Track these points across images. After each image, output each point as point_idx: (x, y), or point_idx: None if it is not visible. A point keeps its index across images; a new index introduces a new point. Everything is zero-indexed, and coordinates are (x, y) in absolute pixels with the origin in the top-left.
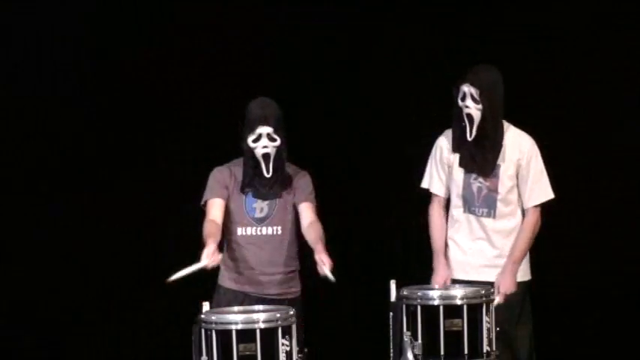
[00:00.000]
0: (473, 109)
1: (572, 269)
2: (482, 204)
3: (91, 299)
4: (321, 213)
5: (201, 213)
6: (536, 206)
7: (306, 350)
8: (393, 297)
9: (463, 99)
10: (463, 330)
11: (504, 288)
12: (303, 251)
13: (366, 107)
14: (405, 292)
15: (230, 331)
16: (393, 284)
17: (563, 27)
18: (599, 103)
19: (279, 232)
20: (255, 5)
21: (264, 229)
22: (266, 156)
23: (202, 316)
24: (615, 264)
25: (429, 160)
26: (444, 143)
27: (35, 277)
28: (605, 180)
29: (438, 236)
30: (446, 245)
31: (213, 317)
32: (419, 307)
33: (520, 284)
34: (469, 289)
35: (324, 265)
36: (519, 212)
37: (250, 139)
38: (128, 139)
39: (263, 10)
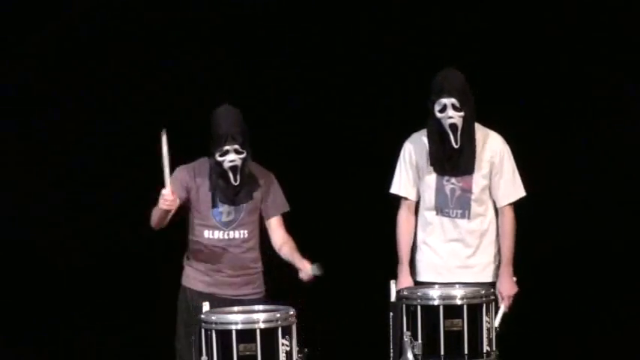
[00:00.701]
0: (456, 117)
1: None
2: (456, 205)
3: (92, 298)
4: (322, 213)
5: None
6: (510, 204)
7: (306, 350)
8: (393, 297)
9: (443, 110)
10: (463, 330)
11: (506, 291)
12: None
13: (370, 104)
14: (405, 292)
15: (230, 331)
16: (393, 284)
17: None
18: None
19: (246, 235)
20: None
21: (231, 232)
22: (233, 168)
23: (202, 316)
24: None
25: (398, 165)
26: (411, 147)
27: (35, 276)
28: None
29: (405, 243)
30: (416, 248)
31: (213, 317)
32: (419, 307)
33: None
34: (469, 289)
35: (308, 268)
36: (491, 211)
37: (217, 154)
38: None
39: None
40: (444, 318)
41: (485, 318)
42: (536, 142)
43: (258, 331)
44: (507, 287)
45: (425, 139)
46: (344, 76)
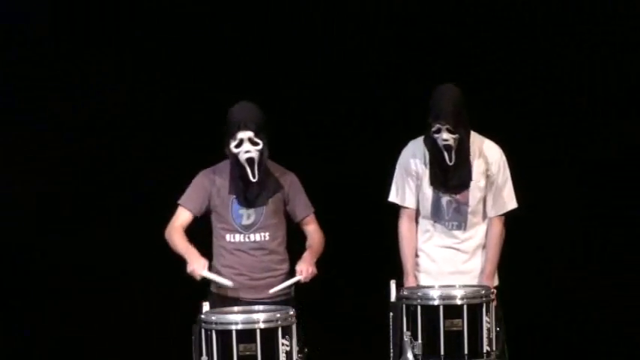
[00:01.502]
0: (451, 140)
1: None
2: (452, 217)
3: (91, 298)
4: (321, 213)
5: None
6: (500, 215)
7: (306, 350)
8: (393, 297)
9: (438, 132)
10: (463, 330)
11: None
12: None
13: (370, 106)
14: (405, 292)
15: (230, 331)
16: (393, 284)
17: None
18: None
19: (267, 237)
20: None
21: (251, 235)
22: (250, 160)
23: (202, 316)
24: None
25: (397, 173)
26: (410, 154)
27: (35, 276)
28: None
29: (409, 254)
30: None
31: (213, 317)
32: (419, 307)
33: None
34: (469, 289)
35: (300, 275)
36: (486, 220)
37: (232, 144)
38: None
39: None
40: (444, 318)
41: (485, 318)
42: (534, 149)
43: (258, 331)
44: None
45: (423, 147)
46: (347, 81)
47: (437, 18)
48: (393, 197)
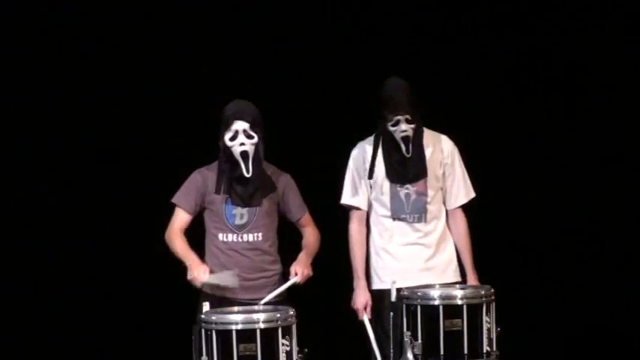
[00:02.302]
0: (409, 130)
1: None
2: (412, 210)
3: (91, 298)
4: (322, 212)
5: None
6: (461, 206)
7: (306, 350)
8: (393, 297)
9: (396, 124)
10: (463, 330)
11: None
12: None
13: (369, 105)
14: (405, 292)
15: (230, 331)
16: (393, 284)
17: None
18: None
19: (260, 237)
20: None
21: (244, 235)
22: (244, 154)
23: (202, 316)
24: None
25: (348, 174)
26: (360, 155)
27: (34, 276)
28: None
29: (359, 256)
30: (370, 256)
31: (213, 317)
32: (419, 307)
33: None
34: (469, 289)
35: (294, 277)
36: (444, 211)
37: (227, 136)
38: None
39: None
40: (444, 318)
41: (485, 318)
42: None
43: (258, 331)
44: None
45: (370, 148)
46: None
47: (435, 17)
48: (346, 199)
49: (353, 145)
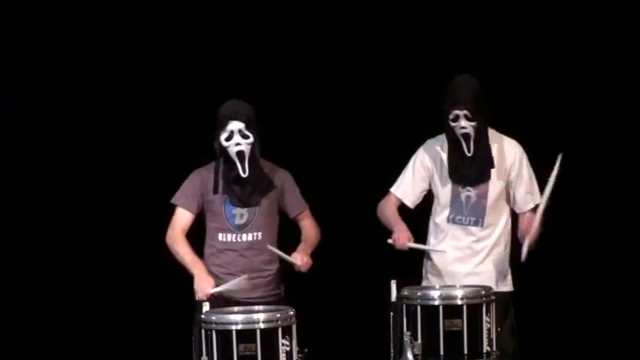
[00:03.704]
0: (469, 128)
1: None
2: (470, 213)
3: (91, 298)
4: (322, 212)
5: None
6: (531, 210)
7: (306, 350)
8: (393, 297)
9: (456, 120)
10: (463, 330)
11: (525, 226)
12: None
13: (369, 105)
14: (405, 292)
15: (230, 331)
16: (393, 284)
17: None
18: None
19: (260, 237)
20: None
21: (244, 235)
22: (240, 154)
23: (202, 316)
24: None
25: (407, 168)
26: (425, 153)
27: (34, 276)
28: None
29: (392, 211)
30: (425, 256)
31: (213, 317)
32: (419, 307)
33: (505, 294)
34: (469, 289)
35: (296, 260)
36: (504, 222)
37: (223, 137)
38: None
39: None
40: (444, 318)
41: (485, 318)
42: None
43: (258, 331)
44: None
45: (439, 147)
46: (357, 77)
47: (433, 17)
48: (394, 188)
49: (356, 142)
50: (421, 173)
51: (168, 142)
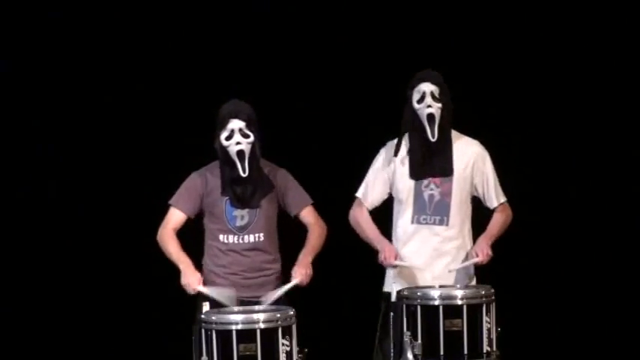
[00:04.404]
0: (435, 107)
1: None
2: (434, 212)
3: (91, 298)
4: (322, 212)
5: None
6: (503, 203)
7: (306, 350)
8: (393, 297)
9: (421, 100)
10: (463, 330)
11: (479, 249)
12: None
13: (370, 106)
14: (405, 292)
15: (230, 331)
16: (393, 285)
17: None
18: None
19: (261, 238)
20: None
21: (245, 237)
22: (240, 153)
23: (202, 316)
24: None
25: (370, 171)
26: (387, 154)
27: (34, 276)
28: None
29: (370, 226)
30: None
31: (213, 317)
32: (419, 307)
33: None
34: (469, 289)
35: (295, 279)
36: (468, 223)
37: (223, 136)
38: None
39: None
40: (444, 318)
41: (485, 318)
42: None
43: (258, 331)
44: (482, 247)
45: (401, 145)
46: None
47: (433, 18)
48: (360, 193)
49: (355, 140)
50: (382, 176)
51: (168, 142)
